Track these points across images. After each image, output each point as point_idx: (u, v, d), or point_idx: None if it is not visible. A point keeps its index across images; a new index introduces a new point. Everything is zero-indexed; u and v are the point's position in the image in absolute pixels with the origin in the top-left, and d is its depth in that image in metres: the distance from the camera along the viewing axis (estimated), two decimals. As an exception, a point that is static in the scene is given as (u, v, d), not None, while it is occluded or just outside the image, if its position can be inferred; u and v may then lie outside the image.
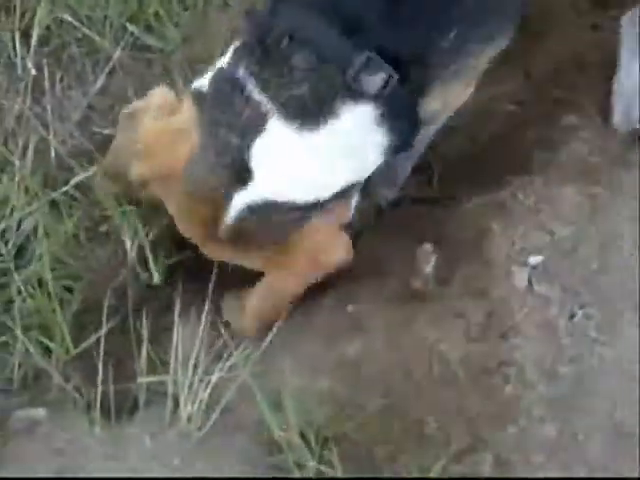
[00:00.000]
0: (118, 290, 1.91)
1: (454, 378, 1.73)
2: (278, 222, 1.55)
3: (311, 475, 1.68)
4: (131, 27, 2.11)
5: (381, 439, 1.72)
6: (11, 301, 1.89)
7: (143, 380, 1.75)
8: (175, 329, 1.78)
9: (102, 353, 1.76)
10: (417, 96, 1.57)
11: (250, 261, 1.67)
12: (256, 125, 1.49)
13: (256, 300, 1.72)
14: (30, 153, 1.94)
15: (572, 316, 1.74)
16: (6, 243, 1.92)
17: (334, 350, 1.77)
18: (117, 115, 2.01)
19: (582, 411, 1.68)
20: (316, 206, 1.55)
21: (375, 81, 1.52)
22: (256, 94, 1.50)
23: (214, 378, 1.75)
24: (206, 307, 1.79)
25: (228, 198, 1.53)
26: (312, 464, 1.69)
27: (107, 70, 2.09)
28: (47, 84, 2.06)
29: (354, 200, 1.67)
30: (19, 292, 1.86)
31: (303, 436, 1.72)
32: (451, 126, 2.02)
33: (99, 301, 1.89)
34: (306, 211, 1.56)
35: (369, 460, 1.71)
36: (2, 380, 1.85)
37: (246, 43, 1.54)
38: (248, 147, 1.49)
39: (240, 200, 1.55)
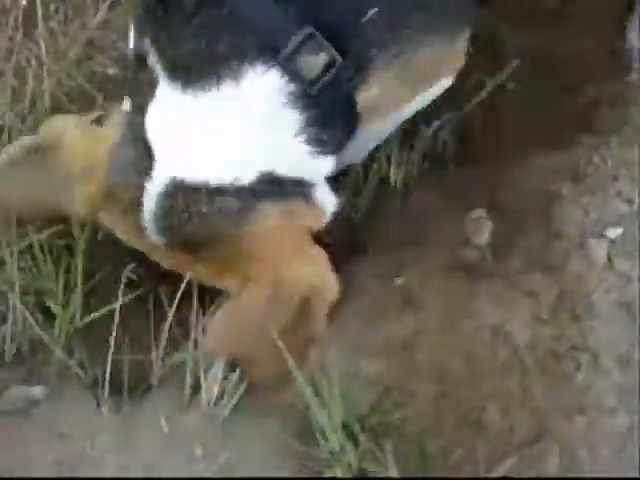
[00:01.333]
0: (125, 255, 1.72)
1: (520, 363, 1.54)
2: (212, 214, 1.29)
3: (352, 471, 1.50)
4: (137, -46, 1.90)
5: (434, 430, 1.52)
6: (3, 262, 1.68)
7: (160, 355, 1.54)
8: (196, 298, 1.55)
9: (117, 320, 1.52)
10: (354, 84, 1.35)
11: (205, 272, 1.38)
12: (150, 93, 1.28)
13: (220, 314, 1.40)
14: (27, 95, 1.72)
15: (654, 296, 1.60)
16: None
17: (381, 329, 1.56)
18: (120, 53, 1.81)
19: (659, 403, 1.53)
20: (252, 194, 1.29)
21: (315, 64, 1.29)
22: (152, 59, 1.28)
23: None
24: None
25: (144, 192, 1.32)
26: (353, 457, 1.51)
27: (108, 2, 1.88)
28: (40, 17, 1.82)
29: (328, 206, 1.43)
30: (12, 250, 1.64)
31: (344, 425, 1.54)
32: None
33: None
34: (241, 199, 1.29)
35: (419, 453, 1.53)
36: (-8, 352, 1.67)
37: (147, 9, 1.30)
38: (143, 119, 1.28)
39: (152, 190, 1.32)
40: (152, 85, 1.28)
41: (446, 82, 1.57)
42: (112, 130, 1.36)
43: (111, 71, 1.82)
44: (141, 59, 1.28)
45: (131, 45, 1.34)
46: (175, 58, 1.26)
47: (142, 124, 1.29)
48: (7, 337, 1.62)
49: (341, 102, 1.37)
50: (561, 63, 2.00)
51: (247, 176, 1.33)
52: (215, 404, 1.57)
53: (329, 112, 1.36)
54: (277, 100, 1.28)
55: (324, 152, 1.38)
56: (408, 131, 1.83)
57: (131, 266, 1.53)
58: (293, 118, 1.33)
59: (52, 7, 1.86)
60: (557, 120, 1.91)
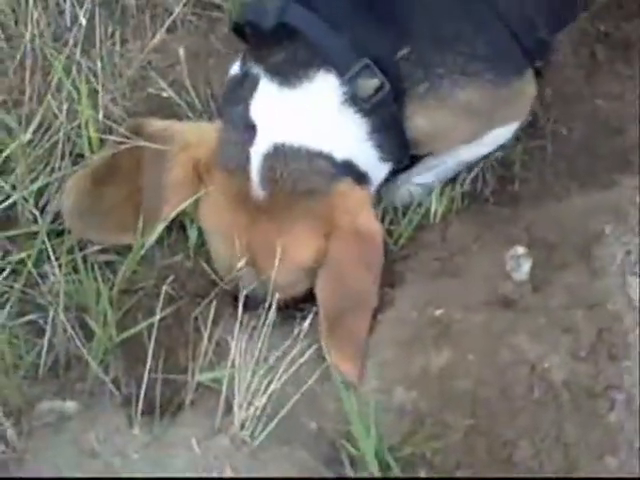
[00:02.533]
0: (166, 271, 1.71)
1: (555, 400, 1.50)
2: (307, 170, 1.61)
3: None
4: (198, -19, 1.91)
5: (465, 462, 1.49)
6: (45, 275, 1.66)
7: (197, 376, 1.51)
8: (238, 322, 1.55)
9: (153, 339, 1.52)
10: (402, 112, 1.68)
11: (295, 226, 1.61)
12: (251, 89, 1.64)
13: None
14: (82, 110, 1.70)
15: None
16: (42, 208, 1.70)
17: (418, 358, 1.54)
18: (176, 75, 1.82)
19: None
20: (332, 162, 1.61)
21: (369, 86, 1.63)
22: (253, 69, 1.66)
23: (276, 382, 1.53)
24: (275, 300, 1.58)
25: (248, 158, 1.62)
26: (383, 486, 1.49)
27: (166, 25, 1.86)
28: (98, 37, 1.82)
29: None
30: (51, 264, 1.61)
31: (376, 454, 1.51)
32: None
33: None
34: (334, 166, 1.62)
35: (449, 487, 1.50)
36: (27, 365, 1.60)
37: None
38: (248, 108, 1.64)
39: (255, 153, 1.62)
40: (251, 86, 1.63)
41: (508, 129, 1.76)
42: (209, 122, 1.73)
43: (165, 94, 1.81)
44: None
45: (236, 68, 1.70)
46: (273, 66, 1.64)
47: (243, 112, 1.62)
48: (43, 351, 1.60)
49: (391, 120, 1.67)
50: (604, 105, 2.05)
51: (337, 153, 1.64)
52: (246, 427, 1.56)
53: (383, 124, 1.66)
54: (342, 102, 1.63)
55: (385, 159, 1.68)
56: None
57: (170, 279, 1.56)
58: (360, 121, 1.64)
59: (110, 28, 1.86)
60: (599, 160, 1.92)
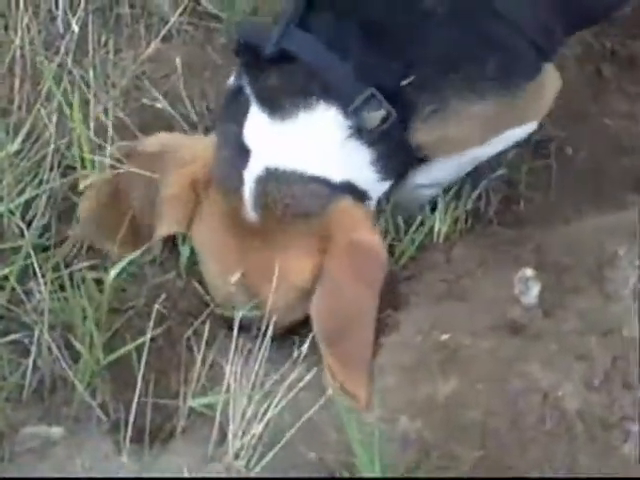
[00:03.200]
0: (157, 290, 1.62)
1: (568, 431, 1.40)
2: (300, 194, 1.55)
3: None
4: (194, -11, 1.82)
5: (473, 496, 1.43)
6: (30, 292, 1.57)
7: (189, 401, 1.41)
8: (232, 344, 1.45)
9: (144, 362, 1.42)
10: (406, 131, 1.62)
11: (289, 246, 1.54)
12: (244, 112, 1.58)
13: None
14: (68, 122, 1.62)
15: None
16: (29, 222, 1.62)
17: (424, 386, 1.44)
18: (171, 86, 1.74)
19: None
20: (337, 187, 1.56)
21: (375, 117, 1.57)
22: (246, 88, 1.59)
23: (273, 408, 1.43)
24: (272, 321, 1.50)
25: (242, 181, 1.57)
26: (386, 521, 1.39)
27: (162, 35, 1.77)
28: (91, 45, 1.72)
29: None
30: (37, 280, 1.51)
31: None
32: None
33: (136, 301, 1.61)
34: (330, 188, 1.55)
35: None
36: (10, 387, 1.49)
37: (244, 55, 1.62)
38: (241, 129, 1.58)
39: (249, 176, 1.56)
40: (244, 106, 1.56)
41: (526, 128, 1.67)
42: (206, 137, 1.66)
43: (160, 105, 1.73)
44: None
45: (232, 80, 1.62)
46: (264, 92, 1.56)
47: (237, 133, 1.56)
48: (28, 372, 1.50)
49: (397, 146, 1.59)
50: (612, 123, 1.97)
51: (334, 177, 1.58)
52: (241, 457, 1.46)
53: (388, 151, 1.59)
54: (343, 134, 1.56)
55: (387, 178, 1.61)
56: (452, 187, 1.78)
57: (162, 298, 1.47)
58: (365, 152, 1.57)
59: (104, 37, 1.77)
60: (607, 180, 1.85)
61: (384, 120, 1.56)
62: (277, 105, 1.55)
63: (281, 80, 1.55)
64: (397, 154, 1.59)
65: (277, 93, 1.55)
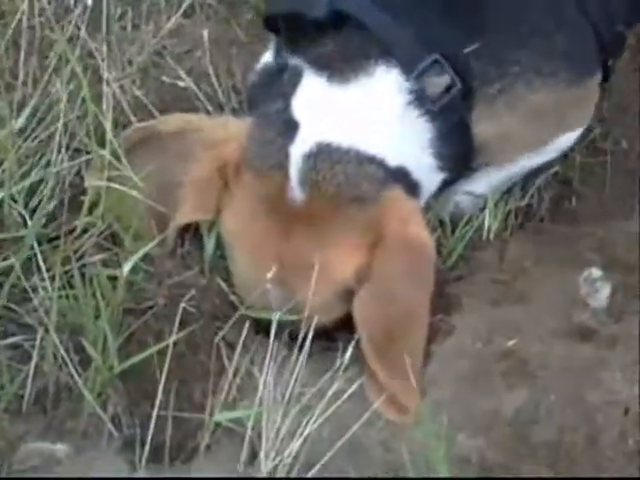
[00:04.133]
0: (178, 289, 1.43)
1: (651, 450, 1.25)
2: (354, 174, 1.40)
3: None
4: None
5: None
6: (33, 289, 1.37)
7: (215, 415, 1.20)
8: (269, 352, 1.26)
9: (165, 370, 1.23)
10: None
11: (337, 237, 1.38)
12: (294, 84, 1.45)
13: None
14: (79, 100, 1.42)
15: None
16: (34, 210, 1.39)
17: (485, 399, 1.25)
18: (195, 63, 1.56)
19: None
20: (384, 169, 1.41)
21: (438, 84, 1.44)
22: (293, 60, 1.46)
23: (311, 424, 1.23)
24: (311, 328, 1.29)
25: (287, 157, 1.41)
26: None
27: (183, 8, 1.58)
28: (105, 18, 1.52)
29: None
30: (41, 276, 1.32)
31: None
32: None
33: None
34: (385, 172, 1.41)
35: None
36: (9, 397, 1.29)
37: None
38: (289, 103, 1.44)
39: (296, 153, 1.40)
40: (293, 79, 1.42)
41: (574, 134, 1.56)
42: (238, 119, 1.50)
43: (182, 84, 1.53)
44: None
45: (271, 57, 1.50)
46: (319, 58, 1.42)
47: (283, 108, 1.41)
48: (29, 380, 1.29)
49: (458, 124, 1.45)
50: None
51: (390, 159, 1.41)
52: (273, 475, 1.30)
53: (449, 131, 1.44)
54: (402, 101, 1.42)
55: (442, 168, 1.45)
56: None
57: (184, 298, 1.28)
58: (424, 126, 1.42)
59: (120, 9, 1.58)
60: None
61: (448, 89, 1.42)
62: (334, 69, 1.40)
63: (336, 44, 1.41)
64: (457, 138, 1.43)
65: (333, 58, 1.41)
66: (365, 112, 1.39)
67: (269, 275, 1.32)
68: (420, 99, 1.40)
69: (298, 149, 1.38)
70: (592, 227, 1.60)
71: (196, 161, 1.40)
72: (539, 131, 1.51)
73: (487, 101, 1.45)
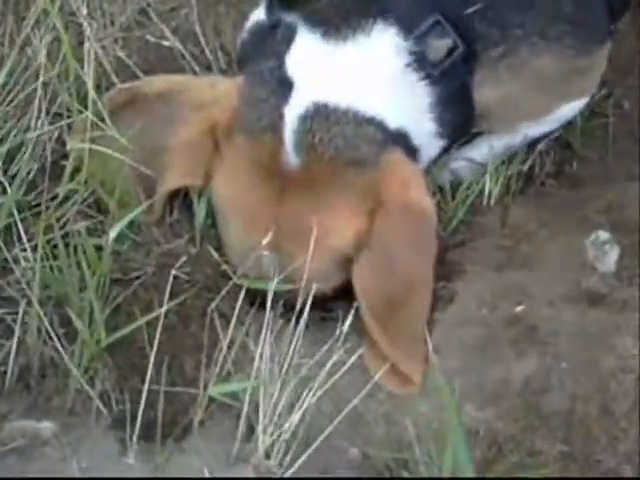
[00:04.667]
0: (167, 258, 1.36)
1: (667, 419, 1.19)
2: (353, 136, 1.32)
3: None
4: None
5: (557, 502, 1.17)
6: (15, 260, 1.28)
7: (209, 389, 1.13)
8: (265, 322, 1.18)
9: (156, 343, 1.15)
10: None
11: (334, 201, 1.30)
12: (287, 41, 1.38)
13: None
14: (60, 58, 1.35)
15: None
16: (13, 177, 1.31)
17: (494, 368, 1.18)
18: (180, 21, 1.48)
19: None
20: (384, 131, 1.33)
21: (440, 47, 1.37)
22: (286, 17, 1.39)
23: (310, 397, 1.16)
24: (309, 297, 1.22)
25: (282, 118, 1.33)
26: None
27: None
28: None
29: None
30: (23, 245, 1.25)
31: None
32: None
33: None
34: (385, 134, 1.33)
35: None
36: (-10, 375, 1.25)
37: None
38: (283, 61, 1.37)
39: (291, 113, 1.33)
40: (287, 37, 1.35)
41: (578, 103, 1.50)
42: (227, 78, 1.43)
43: (167, 43, 1.45)
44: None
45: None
46: (315, 14, 1.34)
47: (277, 66, 1.34)
48: (11, 356, 1.21)
49: (459, 89, 1.38)
50: None
51: (390, 120, 1.33)
52: (273, 455, 1.18)
53: (450, 95, 1.38)
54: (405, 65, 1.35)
55: (442, 134, 1.38)
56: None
57: (182, 261, 1.19)
58: (424, 90, 1.35)
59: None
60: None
61: (450, 52, 1.35)
62: (330, 26, 1.32)
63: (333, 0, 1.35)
64: (459, 103, 1.35)
65: (329, 14, 1.33)
66: (363, 72, 1.32)
67: (264, 241, 1.25)
68: (420, 61, 1.34)
69: (293, 110, 1.30)
70: (596, 190, 1.56)
71: (184, 123, 1.32)
72: (542, 99, 1.44)
73: (490, 65, 1.38)
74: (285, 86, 1.31)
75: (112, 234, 1.19)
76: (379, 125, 1.31)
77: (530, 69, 1.41)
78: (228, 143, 1.31)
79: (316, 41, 1.32)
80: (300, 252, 1.26)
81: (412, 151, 1.35)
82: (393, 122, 1.32)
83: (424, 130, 1.35)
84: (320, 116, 1.30)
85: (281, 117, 1.31)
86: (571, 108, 1.50)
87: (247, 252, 1.29)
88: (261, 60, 1.34)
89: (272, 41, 1.35)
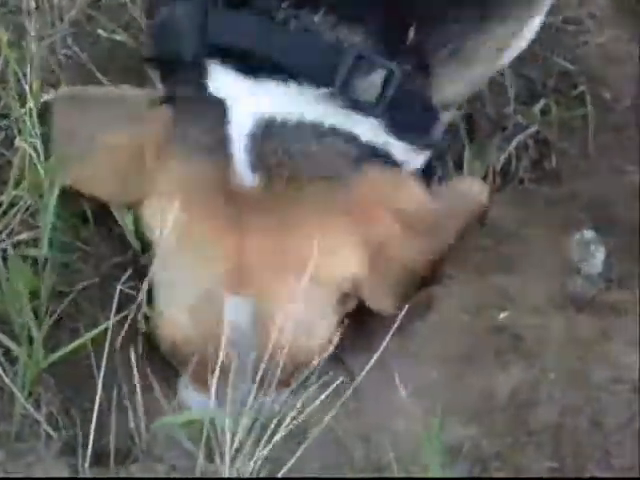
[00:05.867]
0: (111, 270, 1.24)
1: (663, 432, 1.10)
2: (324, 152, 1.15)
3: None
4: None
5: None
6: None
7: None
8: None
9: (104, 361, 1.04)
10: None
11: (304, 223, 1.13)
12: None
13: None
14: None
15: None
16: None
17: (479, 379, 1.09)
18: (131, 17, 1.37)
19: None
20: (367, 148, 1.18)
21: (373, 84, 1.18)
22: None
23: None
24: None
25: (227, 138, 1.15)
26: None
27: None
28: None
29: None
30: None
31: None
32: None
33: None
34: (358, 148, 1.17)
35: None
36: None
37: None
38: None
39: (240, 132, 1.14)
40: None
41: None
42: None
43: (119, 37, 1.34)
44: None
45: None
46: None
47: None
48: (-49, 378, 1.16)
49: (416, 106, 1.22)
50: None
51: (362, 133, 1.18)
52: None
53: (407, 118, 1.20)
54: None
55: (415, 150, 1.22)
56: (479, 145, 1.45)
57: (127, 275, 1.07)
58: (374, 124, 1.18)
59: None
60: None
61: (387, 81, 1.16)
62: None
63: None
64: (418, 116, 1.20)
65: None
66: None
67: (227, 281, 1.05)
68: (355, 106, 1.16)
69: (238, 127, 1.13)
70: (576, 186, 1.47)
71: (113, 135, 1.15)
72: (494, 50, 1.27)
73: (442, 63, 1.23)
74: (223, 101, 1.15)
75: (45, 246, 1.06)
76: (347, 138, 1.15)
77: (482, 38, 1.24)
78: (158, 165, 1.13)
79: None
80: (282, 290, 1.08)
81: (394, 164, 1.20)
82: (364, 136, 1.16)
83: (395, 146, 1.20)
84: (273, 130, 1.14)
85: (226, 137, 1.13)
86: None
87: (203, 300, 1.09)
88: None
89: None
